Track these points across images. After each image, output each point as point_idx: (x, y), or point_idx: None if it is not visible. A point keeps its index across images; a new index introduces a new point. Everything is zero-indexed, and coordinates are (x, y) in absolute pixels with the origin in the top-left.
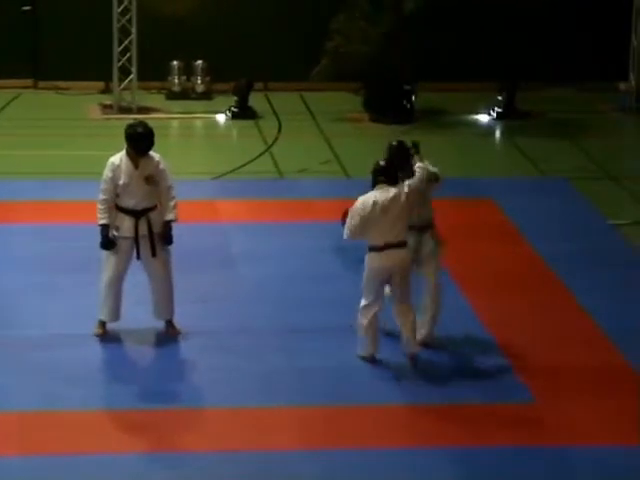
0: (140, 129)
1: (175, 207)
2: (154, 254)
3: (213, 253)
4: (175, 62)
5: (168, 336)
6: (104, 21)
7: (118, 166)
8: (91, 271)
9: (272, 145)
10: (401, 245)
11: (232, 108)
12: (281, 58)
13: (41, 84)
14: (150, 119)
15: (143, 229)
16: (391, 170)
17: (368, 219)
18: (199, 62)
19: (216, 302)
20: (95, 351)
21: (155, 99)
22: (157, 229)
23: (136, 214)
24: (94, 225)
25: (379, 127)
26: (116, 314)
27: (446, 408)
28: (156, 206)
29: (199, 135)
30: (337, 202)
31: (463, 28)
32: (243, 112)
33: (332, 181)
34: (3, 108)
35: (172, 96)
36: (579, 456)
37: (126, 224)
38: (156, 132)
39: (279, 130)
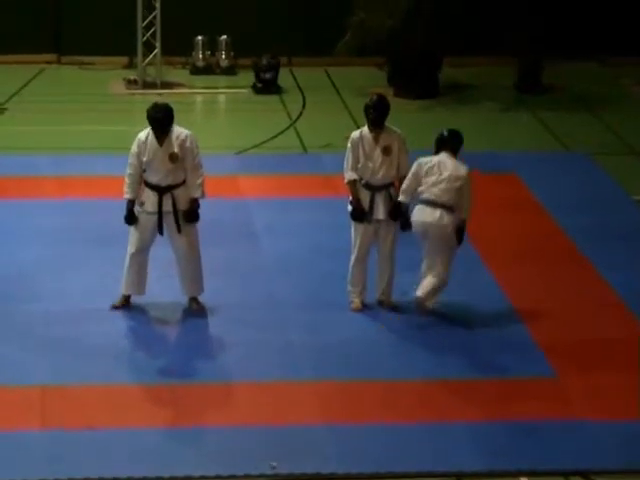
0: (152, 112)
1: (202, 185)
2: (179, 231)
3: (236, 228)
4: (199, 37)
5: (191, 311)
6: None
7: (144, 142)
8: (113, 246)
9: (296, 120)
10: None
11: (256, 83)
12: (305, 33)
13: (65, 59)
14: (174, 94)
15: (167, 205)
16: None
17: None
18: (223, 37)
19: (238, 276)
20: (117, 325)
21: (179, 74)
22: (182, 206)
23: (160, 190)
24: (117, 200)
25: (403, 102)
26: (139, 287)
27: (466, 382)
28: (182, 183)
29: (223, 110)
30: None
31: (487, 2)
32: (267, 87)
33: None
34: (27, 83)
35: (196, 71)
36: (602, 430)
37: (150, 199)
38: (180, 107)
39: (303, 105)
